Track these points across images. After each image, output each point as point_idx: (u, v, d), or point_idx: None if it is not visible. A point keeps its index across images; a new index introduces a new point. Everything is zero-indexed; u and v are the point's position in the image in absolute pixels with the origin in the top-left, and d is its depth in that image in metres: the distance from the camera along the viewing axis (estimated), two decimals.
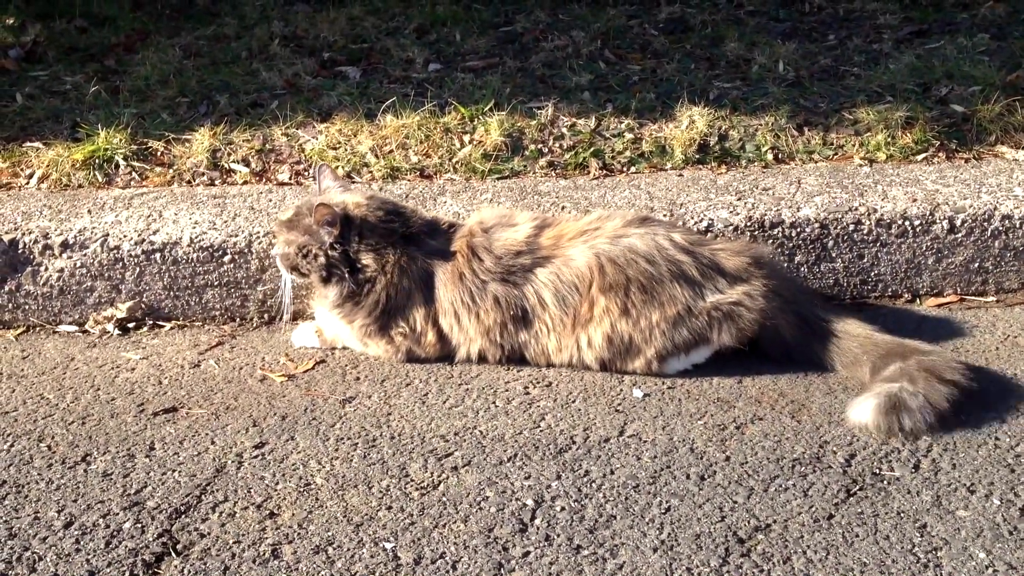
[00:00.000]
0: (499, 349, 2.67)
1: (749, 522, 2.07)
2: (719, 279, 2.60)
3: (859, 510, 2.10)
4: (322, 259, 2.70)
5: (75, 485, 2.26)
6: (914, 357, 2.47)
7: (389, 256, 2.68)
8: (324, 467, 2.30)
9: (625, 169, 3.35)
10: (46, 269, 3.02)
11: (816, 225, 2.97)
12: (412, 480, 2.24)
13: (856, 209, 2.98)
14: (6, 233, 3.01)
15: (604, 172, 3.34)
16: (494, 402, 2.55)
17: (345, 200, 2.73)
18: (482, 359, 2.70)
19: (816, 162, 3.33)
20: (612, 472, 2.25)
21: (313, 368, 2.77)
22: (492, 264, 2.65)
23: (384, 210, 2.74)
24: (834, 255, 2.99)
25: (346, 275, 2.69)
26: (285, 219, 2.77)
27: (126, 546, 2.05)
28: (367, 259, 2.69)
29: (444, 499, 2.17)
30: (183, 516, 2.14)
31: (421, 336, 2.70)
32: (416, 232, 2.73)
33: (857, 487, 2.17)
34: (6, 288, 3.03)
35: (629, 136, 3.41)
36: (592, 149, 3.38)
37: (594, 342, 2.60)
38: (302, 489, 2.22)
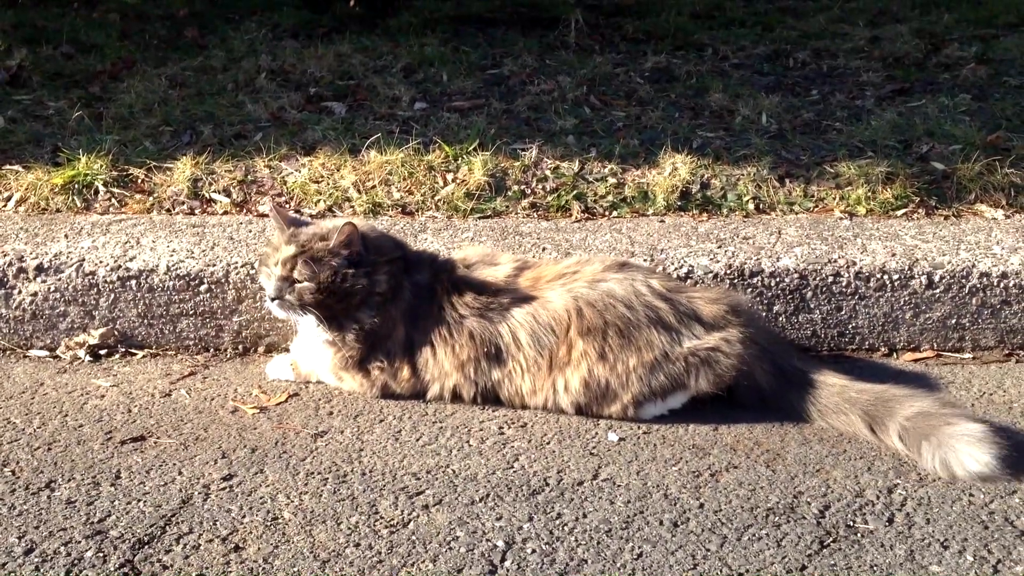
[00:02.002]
0: (473, 386, 2.65)
1: (722, 571, 2.05)
2: (696, 326, 2.60)
3: (832, 562, 2.08)
4: (364, 280, 2.63)
5: (38, 512, 2.21)
6: (916, 401, 2.48)
7: (392, 283, 2.67)
8: (292, 501, 2.26)
9: (607, 213, 3.35)
10: (19, 292, 2.98)
11: (795, 275, 2.98)
12: (382, 517, 2.21)
13: (835, 261, 2.99)
14: None
15: (586, 215, 3.34)
16: (468, 441, 2.53)
17: (358, 223, 2.71)
18: (456, 397, 2.67)
19: (797, 213, 3.35)
20: (585, 515, 2.22)
21: (286, 401, 2.74)
22: (472, 299, 2.63)
23: (388, 237, 2.78)
24: (812, 306, 2.99)
25: (382, 294, 2.66)
26: (294, 253, 2.63)
27: (87, 575, 2.00)
28: (382, 281, 2.66)
29: (413, 538, 2.14)
30: (146, 547, 2.10)
31: (398, 370, 2.68)
32: (410, 263, 2.72)
33: (831, 539, 2.15)
34: None
35: (612, 181, 3.42)
36: (575, 192, 3.39)
37: (571, 386, 2.59)
38: (269, 523, 2.18)
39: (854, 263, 2.99)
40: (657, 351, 2.56)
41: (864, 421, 2.51)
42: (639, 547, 2.12)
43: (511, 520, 2.20)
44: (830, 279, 2.98)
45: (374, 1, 5.39)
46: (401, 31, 4.94)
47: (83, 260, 2.98)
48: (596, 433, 2.57)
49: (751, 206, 3.37)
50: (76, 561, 2.05)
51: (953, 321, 3.01)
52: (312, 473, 2.38)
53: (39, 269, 2.97)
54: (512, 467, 2.41)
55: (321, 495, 2.29)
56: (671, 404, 2.62)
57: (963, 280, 2.98)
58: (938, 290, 2.98)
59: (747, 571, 2.04)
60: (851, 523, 2.20)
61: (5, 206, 3.35)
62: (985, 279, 2.98)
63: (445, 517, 2.21)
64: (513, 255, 2.81)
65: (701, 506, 2.26)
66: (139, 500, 2.26)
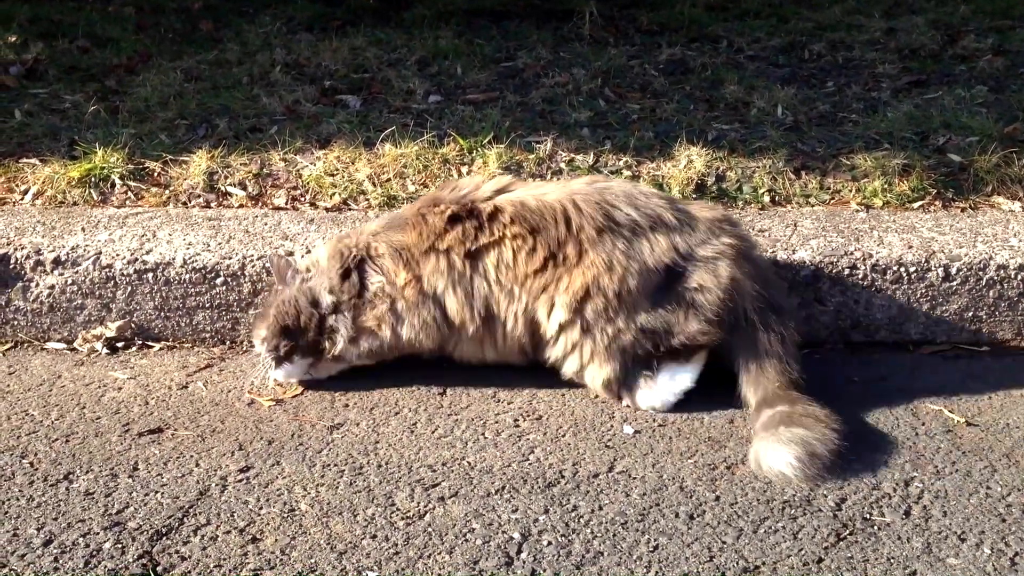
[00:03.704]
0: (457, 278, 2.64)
1: (738, 563, 2.05)
2: (697, 229, 2.66)
3: (849, 555, 2.08)
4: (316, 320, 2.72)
5: (56, 503, 2.23)
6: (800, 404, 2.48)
7: (350, 285, 2.72)
8: (309, 493, 2.27)
9: None
10: (37, 285, 3.00)
11: (811, 268, 2.97)
12: (398, 509, 2.22)
13: (852, 253, 2.98)
14: None
15: None
16: (483, 433, 2.53)
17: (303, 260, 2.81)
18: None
19: (813, 206, 3.34)
20: (600, 508, 2.22)
21: (301, 394, 2.75)
22: (443, 206, 2.68)
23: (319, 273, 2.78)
24: (828, 298, 2.99)
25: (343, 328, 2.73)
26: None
27: (105, 566, 2.02)
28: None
29: (430, 529, 2.14)
30: (164, 538, 2.11)
31: (398, 285, 2.67)
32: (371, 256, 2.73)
33: (847, 531, 2.15)
34: None
35: (627, 173, 3.42)
36: None
37: (572, 287, 2.57)
38: (286, 515, 2.19)
39: (870, 255, 2.98)
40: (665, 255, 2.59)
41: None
42: (655, 539, 2.12)
43: (527, 512, 2.20)
44: (846, 271, 2.97)
45: None
46: (415, 24, 4.93)
47: (100, 253, 2.99)
48: (611, 426, 2.57)
49: (766, 198, 3.36)
50: (95, 552, 2.06)
51: (970, 314, 3.00)
52: (328, 465, 2.38)
53: (56, 262, 2.99)
54: (528, 459, 2.42)
55: (337, 487, 2.30)
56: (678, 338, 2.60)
57: (980, 272, 2.97)
58: (955, 282, 2.97)
59: (763, 563, 2.05)
60: (868, 516, 2.20)
61: (22, 199, 3.36)
62: (1002, 271, 2.96)
63: (461, 509, 2.22)
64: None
65: (717, 499, 2.26)
66: (157, 492, 2.28)
